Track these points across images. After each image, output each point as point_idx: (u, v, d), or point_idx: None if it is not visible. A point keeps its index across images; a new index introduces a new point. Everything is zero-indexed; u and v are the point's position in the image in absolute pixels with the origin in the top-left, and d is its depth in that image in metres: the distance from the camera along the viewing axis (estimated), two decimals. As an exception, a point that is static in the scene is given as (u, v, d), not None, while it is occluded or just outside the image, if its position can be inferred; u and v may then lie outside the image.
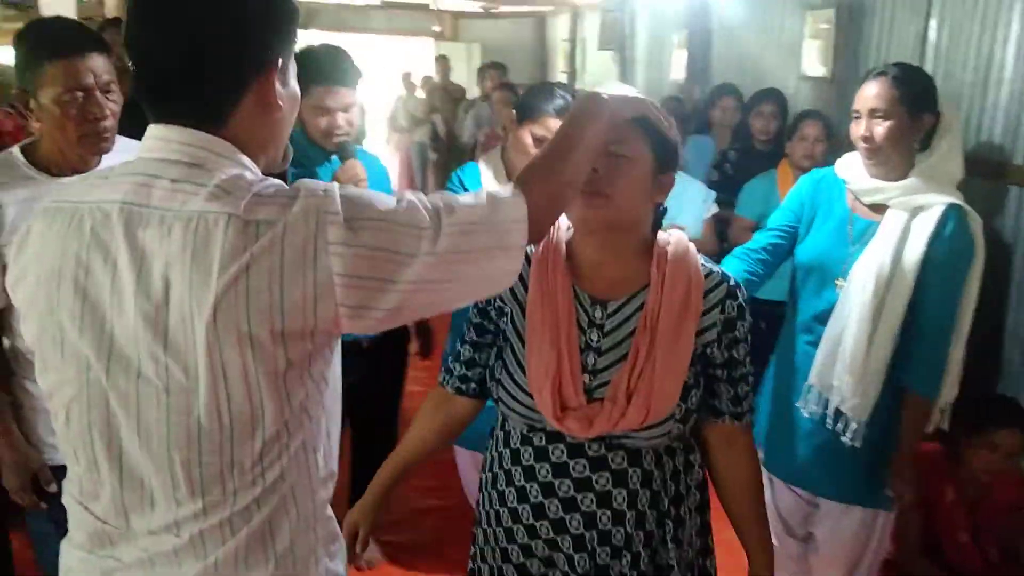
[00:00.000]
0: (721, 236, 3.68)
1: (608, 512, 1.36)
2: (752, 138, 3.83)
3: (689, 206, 3.14)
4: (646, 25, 7.69)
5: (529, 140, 2.17)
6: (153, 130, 0.99)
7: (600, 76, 8.88)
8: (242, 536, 1.00)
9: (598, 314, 1.37)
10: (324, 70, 2.21)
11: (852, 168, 2.01)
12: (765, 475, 2.19)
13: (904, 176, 1.93)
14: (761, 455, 2.13)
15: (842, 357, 1.93)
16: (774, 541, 2.15)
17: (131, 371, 0.95)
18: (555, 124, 2.02)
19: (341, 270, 0.92)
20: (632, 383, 1.31)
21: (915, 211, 1.92)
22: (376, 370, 2.51)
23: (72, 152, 1.74)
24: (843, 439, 1.94)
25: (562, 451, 1.37)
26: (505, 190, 1.06)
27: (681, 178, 3.16)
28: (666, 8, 6.82)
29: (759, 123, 3.74)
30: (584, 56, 9.76)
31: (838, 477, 2.01)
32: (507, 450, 1.44)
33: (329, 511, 1.14)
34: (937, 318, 1.92)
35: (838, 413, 1.96)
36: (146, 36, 0.97)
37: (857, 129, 1.94)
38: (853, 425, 1.94)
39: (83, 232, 0.96)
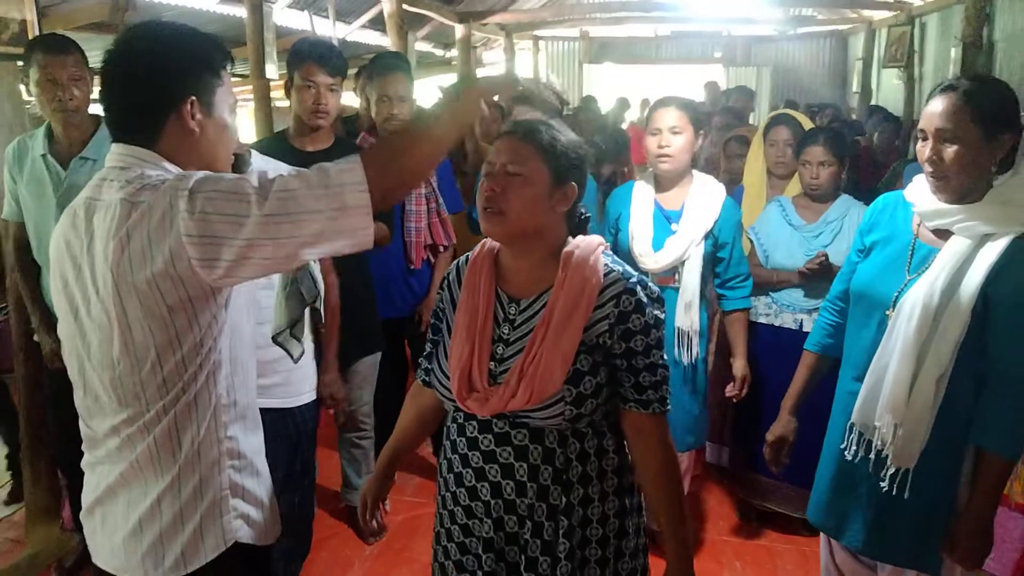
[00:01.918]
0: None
1: (512, 483, 1.50)
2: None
3: (849, 231, 2.94)
4: (934, 39, 6.99)
5: None
6: (112, 147, 1.38)
7: (889, 94, 8.20)
8: (152, 438, 1.34)
9: (512, 310, 1.53)
10: None
11: (920, 190, 1.82)
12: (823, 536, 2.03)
13: (978, 200, 1.72)
14: (810, 508, 2.01)
15: (884, 394, 1.76)
16: None
17: (88, 312, 1.34)
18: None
19: (185, 231, 1.22)
20: (525, 369, 1.44)
21: (982, 239, 1.70)
22: None
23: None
24: (881, 485, 1.77)
25: (474, 427, 1.53)
26: (344, 160, 1.27)
27: (846, 201, 2.99)
28: (951, 20, 6.18)
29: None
30: (879, 74, 9.06)
31: (888, 535, 1.81)
32: (446, 427, 1.63)
33: (233, 431, 1.41)
34: (1012, 366, 1.67)
35: (881, 458, 1.78)
36: (103, 93, 1.37)
37: (923, 151, 1.75)
38: (891, 470, 1.75)
39: (70, 220, 1.37)
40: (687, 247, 2.53)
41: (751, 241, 3.10)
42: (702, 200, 2.57)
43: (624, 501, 1.56)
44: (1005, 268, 1.66)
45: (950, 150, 1.68)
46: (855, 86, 9.75)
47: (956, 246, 1.72)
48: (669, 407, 1.51)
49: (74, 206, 1.37)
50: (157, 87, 1.33)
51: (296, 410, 2.35)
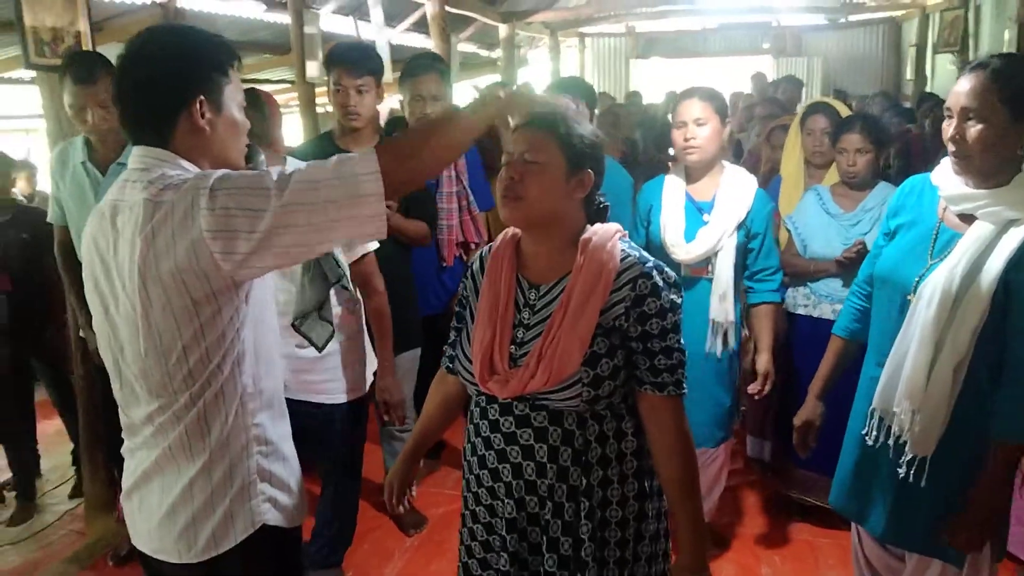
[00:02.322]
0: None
1: (532, 464, 1.54)
2: None
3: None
4: (988, 21, 6.78)
5: None
6: (132, 150, 1.43)
7: (944, 80, 7.97)
8: (183, 427, 1.40)
9: (532, 296, 1.57)
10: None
11: (946, 173, 1.79)
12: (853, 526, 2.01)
13: (1005, 184, 1.68)
14: (832, 492, 1.99)
15: (902, 380, 1.74)
16: None
17: (117, 308, 1.41)
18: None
19: (207, 227, 1.28)
20: (543, 351, 1.48)
21: (1006, 225, 1.67)
22: None
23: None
24: (899, 470, 1.75)
25: (496, 410, 1.57)
26: (360, 151, 1.33)
27: (884, 188, 2.94)
28: (1006, 2, 5.99)
29: None
30: (934, 60, 8.82)
31: (907, 523, 1.79)
32: (470, 411, 1.68)
33: (260, 419, 1.48)
34: None
35: (900, 444, 1.77)
36: (116, 98, 1.42)
37: (947, 129, 1.72)
38: (909, 456, 1.74)
39: (97, 221, 1.44)
40: (720, 237, 2.52)
41: (789, 231, 3.07)
42: (734, 191, 2.56)
43: (644, 484, 1.58)
44: None
45: (974, 129, 1.65)
46: (909, 73, 9.52)
47: (979, 231, 1.69)
48: (685, 391, 1.53)
49: (101, 207, 1.44)
50: (166, 88, 1.38)
51: (345, 406, 2.42)
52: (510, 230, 1.63)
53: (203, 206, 1.28)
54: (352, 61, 2.70)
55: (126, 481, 1.52)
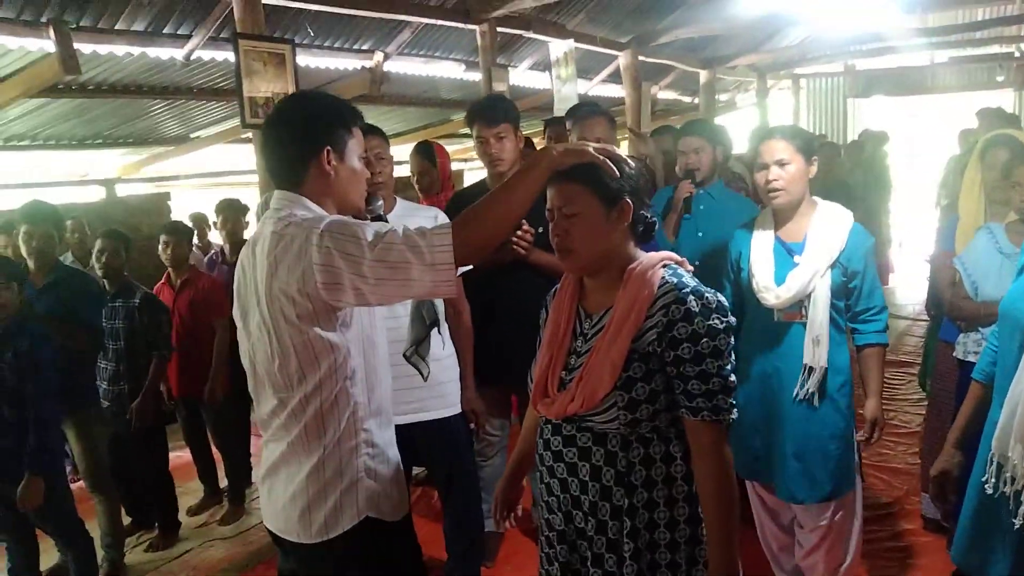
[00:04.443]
0: None
1: (576, 481, 1.64)
2: None
3: None
4: None
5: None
6: (274, 194, 1.73)
7: None
8: (302, 425, 1.67)
9: (587, 325, 1.68)
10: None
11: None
12: None
13: None
14: (953, 546, 1.85)
15: (1017, 423, 1.61)
16: None
17: (252, 319, 1.70)
18: None
19: (315, 260, 1.54)
20: (582, 376, 1.59)
21: None
22: None
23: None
24: (1014, 521, 1.61)
25: (549, 429, 1.69)
26: (442, 224, 1.55)
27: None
28: None
29: None
30: None
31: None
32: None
33: (368, 425, 1.71)
34: None
35: (1019, 493, 1.63)
36: (262, 150, 1.76)
37: None
38: (1024, 508, 1.59)
39: (246, 249, 1.75)
40: (811, 279, 2.40)
41: (959, 272, 2.87)
42: (826, 228, 2.44)
43: (697, 509, 1.60)
44: None
45: None
46: None
47: None
48: (726, 417, 1.53)
49: (251, 239, 1.76)
50: (298, 140, 1.68)
51: (456, 417, 2.64)
52: None
53: (314, 242, 1.55)
54: (487, 113, 2.89)
55: (260, 469, 1.81)
